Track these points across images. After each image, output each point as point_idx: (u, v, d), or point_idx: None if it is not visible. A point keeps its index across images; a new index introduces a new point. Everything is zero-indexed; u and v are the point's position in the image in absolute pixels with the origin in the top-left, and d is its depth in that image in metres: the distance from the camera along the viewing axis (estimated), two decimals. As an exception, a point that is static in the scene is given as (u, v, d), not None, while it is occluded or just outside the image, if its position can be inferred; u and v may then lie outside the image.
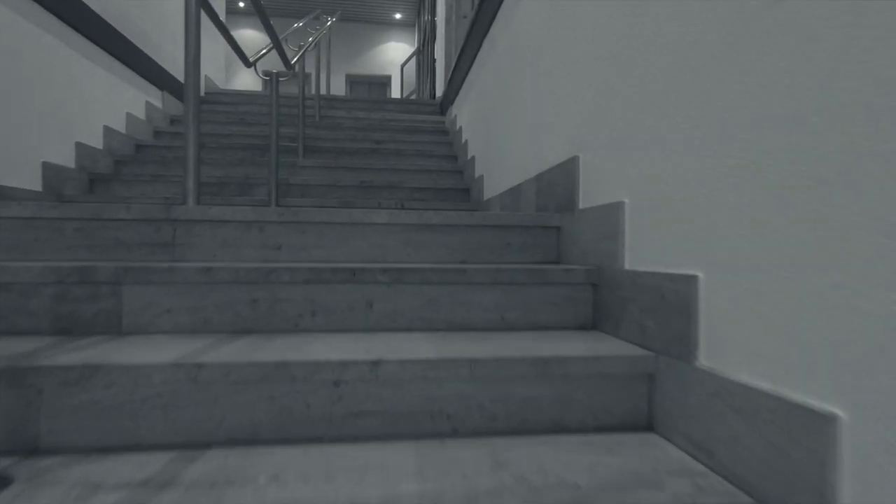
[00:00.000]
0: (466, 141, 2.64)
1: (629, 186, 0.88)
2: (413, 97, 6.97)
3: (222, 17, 4.60)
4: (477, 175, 2.34)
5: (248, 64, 1.93)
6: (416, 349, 0.78)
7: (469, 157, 2.55)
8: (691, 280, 0.68)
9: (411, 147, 3.06)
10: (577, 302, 0.99)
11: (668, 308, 0.73)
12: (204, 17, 4.02)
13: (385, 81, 8.74)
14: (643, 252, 0.83)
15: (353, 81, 8.67)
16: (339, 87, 8.63)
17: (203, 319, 0.89)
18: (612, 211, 0.91)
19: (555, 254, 1.20)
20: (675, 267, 0.74)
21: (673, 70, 0.75)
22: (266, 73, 2.03)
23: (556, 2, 1.25)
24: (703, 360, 0.67)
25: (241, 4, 8.10)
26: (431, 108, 3.93)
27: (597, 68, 1.01)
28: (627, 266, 0.87)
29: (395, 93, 8.65)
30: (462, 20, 3.29)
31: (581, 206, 1.09)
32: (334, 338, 0.86)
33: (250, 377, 0.69)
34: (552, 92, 1.29)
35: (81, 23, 2.15)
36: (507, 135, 1.75)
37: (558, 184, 1.21)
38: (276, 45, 1.83)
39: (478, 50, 2.34)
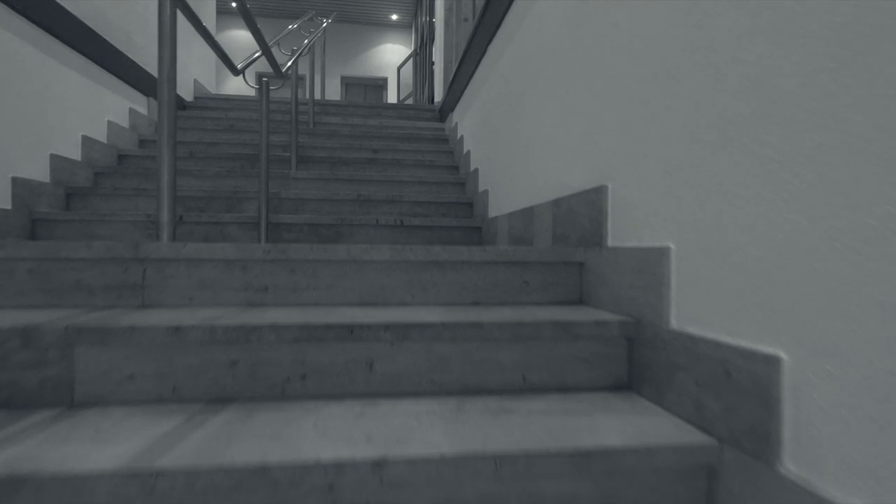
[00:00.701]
0: (469, 152, 2.50)
1: (676, 230, 0.74)
2: (410, 100, 6.83)
3: (213, 21, 4.45)
4: (481, 189, 2.20)
5: (235, 72, 1.78)
6: (426, 433, 0.64)
7: (472, 168, 2.41)
8: (772, 362, 0.55)
9: (410, 157, 2.93)
10: (610, 359, 0.85)
11: (738, 390, 0.60)
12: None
13: (381, 84, 8.59)
14: (696, 312, 0.69)
15: (348, 83, 8.51)
16: (334, 90, 8.48)
17: (172, 387, 0.75)
18: (654, 257, 0.78)
19: (577, 292, 1.06)
20: (743, 338, 0.60)
21: (744, 98, 0.61)
22: (256, 82, 1.89)
23: (582, 9, 1.12)
24: (790, 464, 0.53)
25: (234, 4, 7.92)
26: (430, 114, 3.79)
27: (635, 87, 0.88)
28: (674, 325, 0.74)
29: (392, 95, 8.51)
30: (463, 23, 3.16)
31: (610, 242, 0.96)
32: (327, 411, 0.72)
33: (222, 484, 0.55)
34: (573, 110, 1.15)
35: (55, 25, 2.00)
36: (517, 151, 1.62)
37: (581, 214, 1.07)
38: (266, 52, 1.69)
39: (482, 56, 2.21)
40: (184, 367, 0.76)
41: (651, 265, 0.79)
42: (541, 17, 1.39)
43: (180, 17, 3.54)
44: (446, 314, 0.87)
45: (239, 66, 1.81)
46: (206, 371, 0.76)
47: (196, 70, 3.83)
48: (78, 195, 2.12)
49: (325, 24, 3.55)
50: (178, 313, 0.85)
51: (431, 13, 5.48)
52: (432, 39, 5.43)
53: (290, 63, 2.24)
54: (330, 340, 0.78)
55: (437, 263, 1.02)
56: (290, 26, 3.34)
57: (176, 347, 0.75)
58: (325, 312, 0.89)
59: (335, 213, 2.27)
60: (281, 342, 0.77)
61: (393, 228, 2.09)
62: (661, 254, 0.76)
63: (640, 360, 0.82)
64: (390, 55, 8.60)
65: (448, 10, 3.66)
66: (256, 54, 1.86)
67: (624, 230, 0.91)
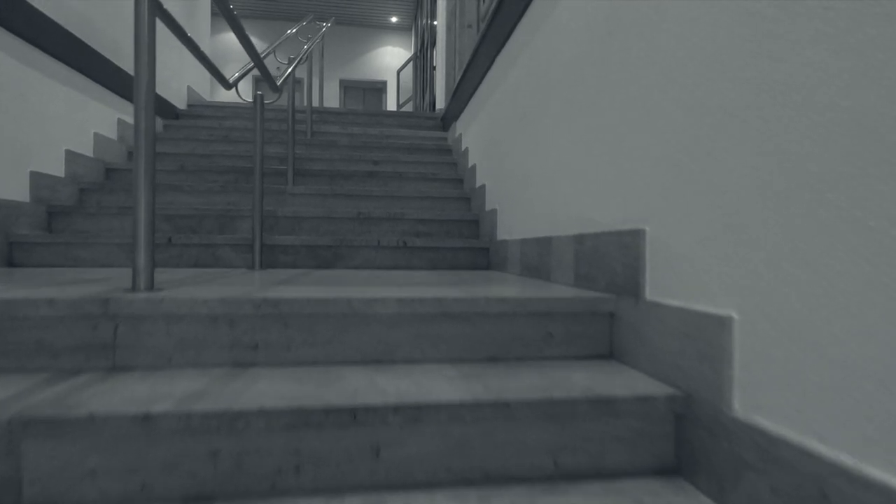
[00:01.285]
0: (474, 165, 2.38)
1: (739, 296, 0.63)
2: (410, 105, 6.72)
3: (207, 24, 4.31)
4: (488, 208, 2.09)
5: (227, 85, 1.66)
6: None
7: (478, 185, 2.30)
8: None
9: (412, 169, 2.81)
10: (654, 437, 0.73)
11: (838, 518, 0.48)
12: (187, 23, 3.74)
13: (381, 87, 8.46)
14: (769, 402, 0.58)
15: (347, 87, 8.38)
16: (332, 93, 8.36)
17: (141, 484, 0.63)
18: (711, 325, 0.66)
19: (607, 345, 0.95)
20: (846, 453, 0.48)
21: (843, 153, 0.50)
22: (250, 97, 1.77)
23: (611, 26, 1.00)
24: None
25: (231, 6, 7.78)
26: (432, 122, 3.67)
27: (681, 120, 0.76)
28: (739, 412, 0.62)
29: (392, 99, 8.38)
30: (467, 29, 3.04)
31: (649, 295, 0.84)
32: (327, 517, 0.60)
33: None
34: (599, 136, 1.04)
35: (35, 33, 1.88)
36: (530, 172, 1.50)
37: (611, 256, 0.96)
38: (259, 65, 1.57)
39: (489, 67, 2.09)
40: (156, 460, 0.63)
41: (706, 333, 0.67)
42: (559, 31, 1.27)
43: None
44: (463, 383, 0.75)
45: (231, 79, 1.69)
46: (182, 463, 0.64)
47: (190, 76, 3.70)
48: (61, 214, 1.99)
49: (323, 30, 3.43)
50: (151, 384, 0.73)
51: (432, 16, 5.37)
52: (433, 43, 5.31)
53: (285, 75, 2.12)
54: (329, 427, 0.66)
55: (450, 316, 0.90)
56: (288, 31, 3.22)
57: (146, 438, 0.63)
58: (322, 377, 0.77)
59: (334, 232, 2.15)
60: (271, 429, 0.65)
61: (395, 250, 1.97)
62: (721, 323, 0.65)
63: (691, 441, 0.70)
64: (390, 58, 8.48)
65: (450, 14, 3.55)
66: (249, 65, 1.74)
67: (667, 283, 0.79)
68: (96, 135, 2.35)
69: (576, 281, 1.12)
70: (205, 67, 1.42)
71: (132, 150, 2.61)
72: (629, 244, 0.89)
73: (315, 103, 6.62)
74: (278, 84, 1.84)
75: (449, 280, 1.31)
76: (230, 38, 8.09)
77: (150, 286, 0.92)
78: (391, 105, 8.34)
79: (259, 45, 8.13)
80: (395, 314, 0.88)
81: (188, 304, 0.82)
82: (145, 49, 0.93)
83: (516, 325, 0.92)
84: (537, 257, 1.40)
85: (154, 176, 0.93)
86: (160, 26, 3.17)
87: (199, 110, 3.43)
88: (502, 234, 1.85)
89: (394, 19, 8.24)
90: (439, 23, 4.15)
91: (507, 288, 1.09)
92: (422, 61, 6.15)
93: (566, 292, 0.99)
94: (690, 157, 0.73)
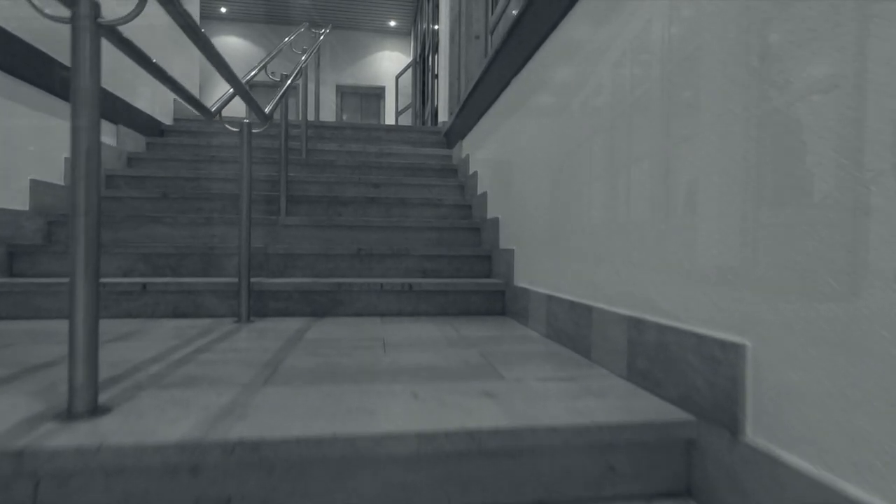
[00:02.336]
0: (485, 193, 2.17)
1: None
2: (409, 112, 6.51)
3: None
4: (503, 245, 1.88)
5: (209, 115, 1.45)
6: None
7: (490, 216, 2.09)
8: None
9: (416, 193, 2.60)
10: None
11: None
12: (172, 24, 3.52)
13: (379, 93, 8.22)
14: None
15: (344, 93, 8.15)
16: (329, 99, 8.12)
17: None
18: (885, 533, 0.46)
19: (683, 480, 0.74)
20: None
21: None
22: (235, 125, 1.56)
23: (692, 66, 0.79)
24: None
25: (224, 10, 7.55)
26: (435, 137, 3.46)
27: (807, 210, 0.55)
28: None
29: (390, 105, 8.15)
30: (474, 41, 2.83)
31: (751, 434, 0.63)
32: None
33: None
34: (666, 200, 0.83)
35: (-7, 54, 1.66)
36: (561, 221, 1.29)
37: (687, 363, 0.75)
38: (242, 94, 1.36)
39: (503, 87, 1.88)
40: None
41: (872, 539, 0.47)
42: (599, 63, 1.06)
43: (175, 25, 3.17)
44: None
45: (213, 107, 1.47)
46: None
47: (177, 87, 3.47)
48: (24, 254, 1.77)
49: (320, 38, 3.21)
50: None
51: (433, 20, 5.15)
52: (434, 49, 5.10)
53: (276, 99, 1.90)
54: None
55: (485, 453, 0.69)
56: (282, 41, 3.01)
57: None
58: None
59: (331, 271, 1.93)
60: None
61: (399, 294, 1.76)
62: (906, 538, 0.44)
63: None
64: (388, 63, 8.25)
65: (454, 22, 3.33)
66: (226, 97, 1.53)
67: (784, 427, 0.58)
68: (67, 160, 2.12)
69: (629, 374, 0.92)
70: (179, 97, 1.20)
71: (111, 173, 2.38)
72: (719, 359, 0.68)
73: (311, 115, 6.39)
74: (268, 110, 1.63)
75: (469, 356, 1.10)
76: (223, 42, 7.84)
77: (92, 407, 0.71)
78: (390, 111, 8.12)
79: (252, 49, 7.90)
80: (414, 454, 0.67)
81: (134, 453, 0.61)
82: (87, 99, 0.71)
83: (570, 458, 0.71)
84: (572, 325, 1.19)
85: (98, 267, 0.71)
86: (136, 33, 2.95)
87: (186, 125, 3.21)
88: (521, 281, 1.64)
89: (392, 23, 8.01)
90: (442, 29, 3.94)
91: (546, 388, 0.88)
92: (422, 67, 5.94)
93: (626, 407, 0.78)
94: (822, 262, 0.52)
